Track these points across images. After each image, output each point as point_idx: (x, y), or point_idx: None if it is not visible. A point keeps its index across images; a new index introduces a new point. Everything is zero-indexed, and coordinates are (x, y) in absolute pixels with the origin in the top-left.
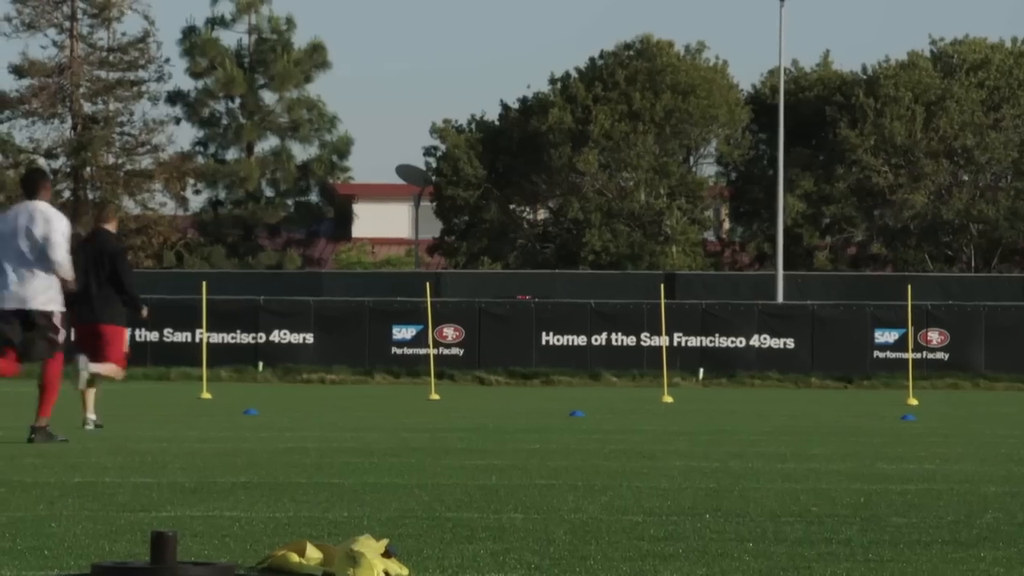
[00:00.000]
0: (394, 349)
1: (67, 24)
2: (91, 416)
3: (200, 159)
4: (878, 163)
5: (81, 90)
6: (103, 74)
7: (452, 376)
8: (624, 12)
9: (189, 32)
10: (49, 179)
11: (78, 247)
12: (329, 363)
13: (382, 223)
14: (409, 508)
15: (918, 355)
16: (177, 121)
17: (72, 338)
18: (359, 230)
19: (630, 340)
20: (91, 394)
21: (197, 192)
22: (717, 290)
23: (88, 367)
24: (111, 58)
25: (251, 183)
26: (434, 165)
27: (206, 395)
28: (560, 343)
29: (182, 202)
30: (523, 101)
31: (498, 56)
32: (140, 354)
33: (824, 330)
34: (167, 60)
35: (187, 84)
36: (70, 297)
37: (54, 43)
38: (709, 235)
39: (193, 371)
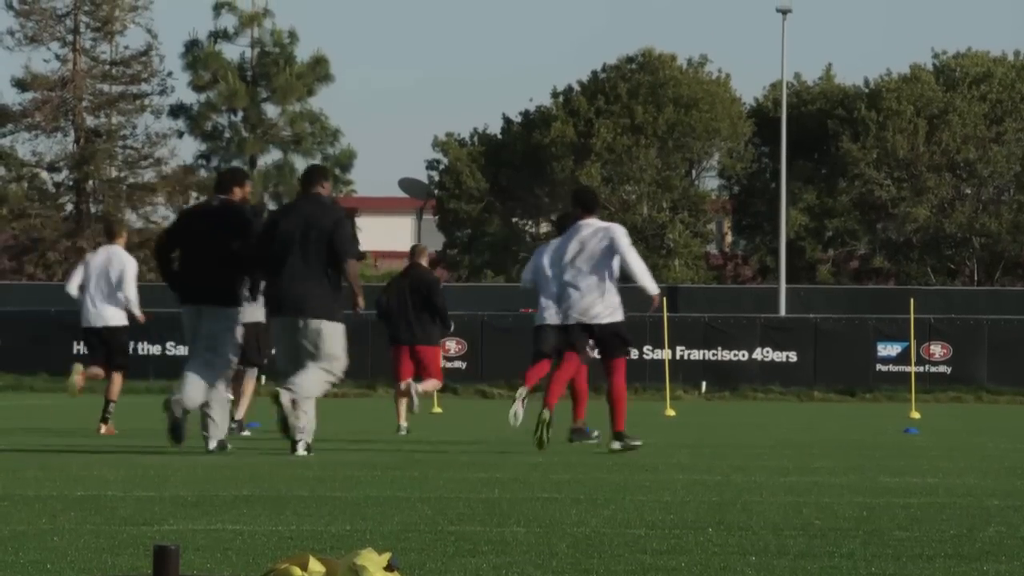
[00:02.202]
0: None
1: (70, 38)
2: (404, 423)
3: (203, 172)
4: (880, 176)
5: (84, 103)
6: (106, 87)
7: (455, 389)
8: (626, 25)
9: (192, 45)
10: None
11: (396, 278)
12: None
13: (385, 236)
14: (412, 522)
15: (920, 368)
16: (180, 134)
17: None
18: (362, 243)
19: (632, 353)
20: (404, 404)
21: None
22: (719, 303)
23: (417, 389)
24: (114, 71)
25: (254, 197)
26: (436, 178)
27: None
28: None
29: None
30: (525, 114)
31: (500, 69)
32: (143, 368)
33: (827, 343)
34: (170, 73)
35: (190, 97)
36: (386, 321)
37: (57, 56)
38: (712, 248)
39: None
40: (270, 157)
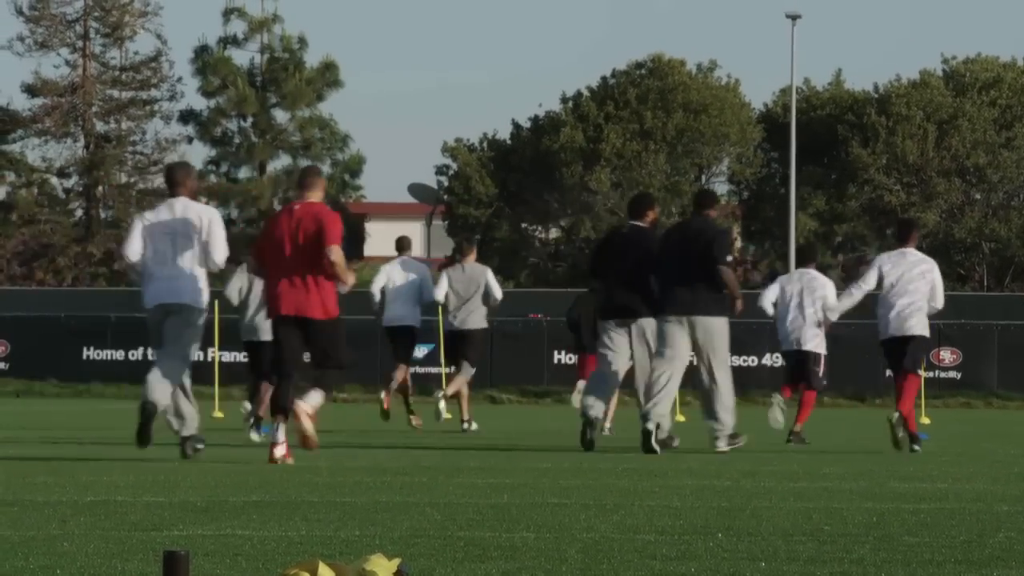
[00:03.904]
0: None
1: (80, 43)
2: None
3: (212, 178)
4: (890, 182)
5: (93, 109)
6: (115, 93)
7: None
8: (636, 31)
9: (201, 51)
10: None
11: (582, 295)
12: (340, 381)
13: (394, 242)
14: (421, 527)
15: (930, 374)
16: (189, 140)
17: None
18: (371, 249)
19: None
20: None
21: None
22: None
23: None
24: (123, 77)
25: (263, 202)
26: (446, 184)
27: (218, 414)
28: (572, 362)
29: None
30: (535, 120)
31: (510, 75)
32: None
33: (836, 348)
34: (179, 79)
35: (199, 103)
36: (574, 330)
37: (67, 62)
38: None
39: (205, 390)
40: (279, 163)
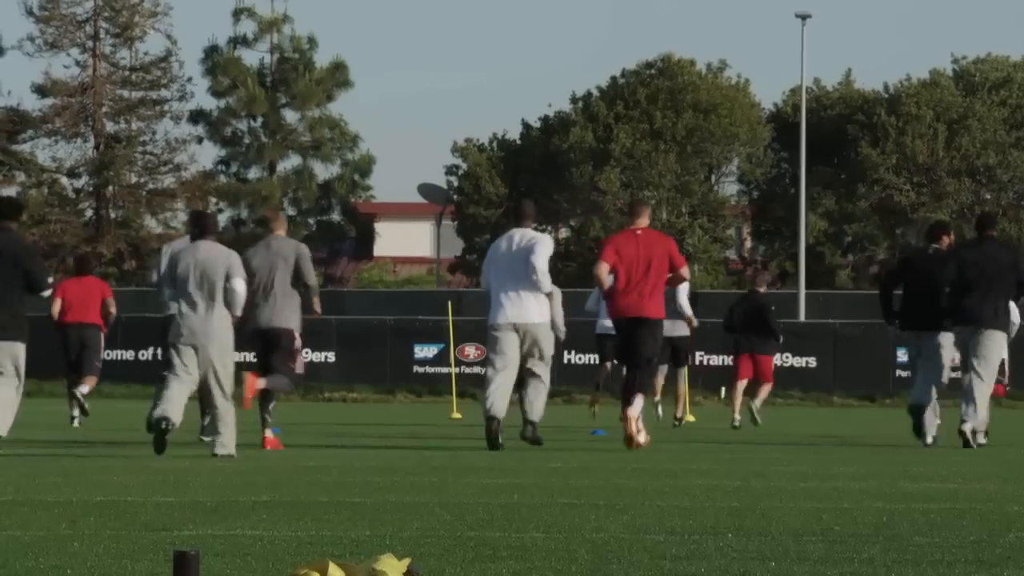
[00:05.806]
0: (416, 367)
1: (90, 44)
2: (738, 417)
3: (222, 178)
4: (900, 181)
5: (104, 109)
6: (125, 93)
7: (474, 395)
8: (645, 31)
9: (211, 51)
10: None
11: (740, 300)
12: (351, 381)
13: (404, 242)
14: (431, 527)
15: None
16: (199, 140)
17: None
18: (381, 249)
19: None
20: (739, 401)
21: (219, 211)
22: None
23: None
24: (133, 77)
25: (273, 202)
26: (455, 184)
27: None
28: (581, 361)
29: None
30: (544, 120)
31: (519, 75)
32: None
33: (846, 348)
34: (189, 79)
35: (209, 103)
36: (731, 332)
37: (77, 62)
38: (731, 253)
39: None
40: (289, 163)
